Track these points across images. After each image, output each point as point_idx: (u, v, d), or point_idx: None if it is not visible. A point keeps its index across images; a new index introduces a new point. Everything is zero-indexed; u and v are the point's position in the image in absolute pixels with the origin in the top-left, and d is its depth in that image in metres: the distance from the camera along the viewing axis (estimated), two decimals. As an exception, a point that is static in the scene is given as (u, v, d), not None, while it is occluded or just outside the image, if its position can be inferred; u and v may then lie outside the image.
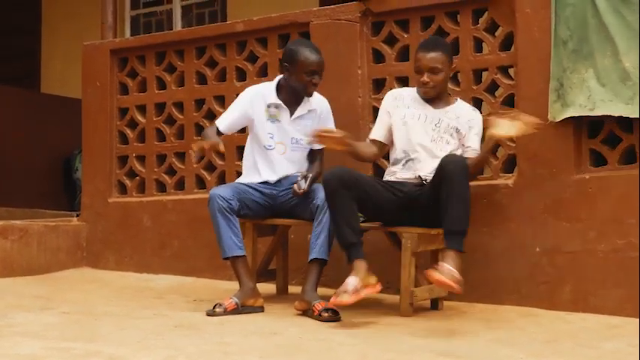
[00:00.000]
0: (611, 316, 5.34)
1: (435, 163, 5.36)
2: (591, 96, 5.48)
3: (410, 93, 5.71)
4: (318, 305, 5.34)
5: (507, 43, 5.98)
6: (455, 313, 5.58)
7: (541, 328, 5.12)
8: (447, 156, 5.29)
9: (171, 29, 10.07)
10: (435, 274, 4.94)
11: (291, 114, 5.83)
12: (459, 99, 5.72)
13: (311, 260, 5.54)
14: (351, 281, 5.18)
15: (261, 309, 5.58)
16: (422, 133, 5.55)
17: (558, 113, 5.58)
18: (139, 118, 7.55)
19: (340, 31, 6.50)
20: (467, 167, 5.22)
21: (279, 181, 5.81)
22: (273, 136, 5.82)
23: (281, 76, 5.93)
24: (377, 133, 5.75)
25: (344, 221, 5.31)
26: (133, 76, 7.63)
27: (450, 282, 4.93)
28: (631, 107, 5.36)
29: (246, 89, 6.01)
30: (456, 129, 5.53)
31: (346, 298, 5.12)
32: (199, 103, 7.24)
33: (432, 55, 5.50)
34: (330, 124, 5.91)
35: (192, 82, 7.28)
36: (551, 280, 5.64)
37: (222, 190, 5.66)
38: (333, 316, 5.25)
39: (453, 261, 5.06)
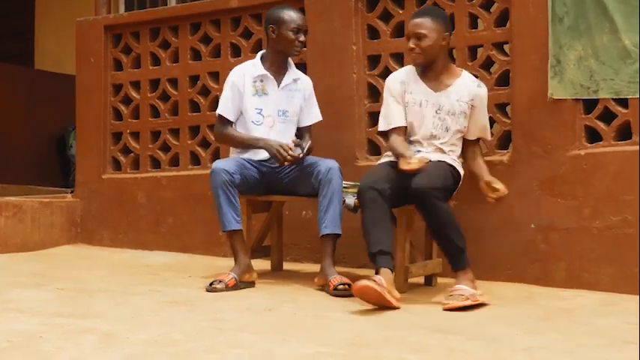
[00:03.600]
0: (606, 293, 5.34)
1: (437, 153, 5.41)
2: (593, 76, 5.47)
3: (409, 73, 5.59)
4: (334, 280, 5.36)
5: (502, 20, 5.96)
6: (449, 289, 5.58)
7: (535, 305, 5.13)
8: (419, 184, 5.09)
9: (166, 5, 10.02)
10: (451, 303, 4.95)
11: (279, 84, 5.85)
12: (463, 72, 5.59)
13: (323, 236, 5.53)
14: (378, 280, 4.92)
15: (253, 284, 5.59)
16: (424, 122, 5.47)
17: (557, 90, 5.57)
18: (134, 94, 7.52)
19: (335, 7, 6.47)
20: (441, 189, 5.14)
21: (270, 158, 5.79)
22: (261, 110, 5.81)
23: (263, 51, 5.98)
24: (399, 120, 5.52)
25: (381, 230, 5.15)
26: (127, 53, 7.61)
27: (466, 303, 4.95)
28: (633, 86, 5.35)
29: (232, 71, 5.97)
30: (457, 112, 5.46)
31: (373, 285, 4.86)
32: (194, 79, 7.22)
33: (418, 20, 5.42)
34: (313, 102, 5.97)
35: (186, 58, 7.25)
36: (545, 257, 5.65)
37: (226, 164, 5.63)
38: (348, 289, 5.23)
39: (465, 278, 5.11)
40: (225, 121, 5.83)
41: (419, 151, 5.44)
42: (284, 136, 5.82)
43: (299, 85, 5.92)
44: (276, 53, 5.84)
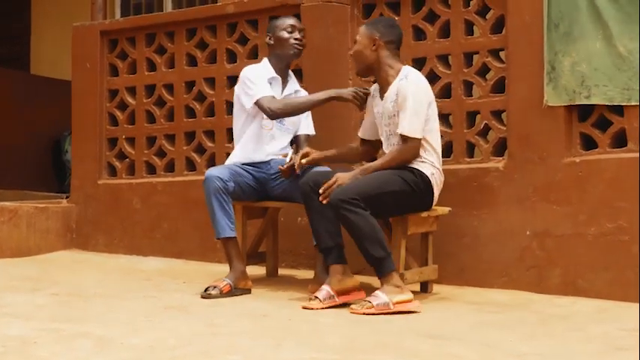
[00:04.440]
0: (601, 300, 5.34)
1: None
2: (585, 81, 5.48)
3: (376, 87, 5.64)
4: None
5: (498, 26, 5.97)
6: (444, 296, 5.59)
7: (530, 311, 5.13)
8: (331, 197, 5.15)
9: (162, 11, 10.03)
10: (355, 309, 4.99)
11: (282, 91, 5.92)
12: (401, 69, 5.44)
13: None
14: (325, 287, 5.18)
15: (249, 291, 5.59)
16: (383, 131, 5.51)
17: (552, 97, 5.58)
18: (129, 99, 7.52)
19: (331, 13, 6.48)
20: (354, 200, 5.09)
21: (268, 162, 5.80)
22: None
23: (266, 58, 6.04)
24: (362, 131, 5.73)
25: (319, 226, 5.31)
26: (123, 58, 7.61)
27: (368, 311, 4.96)
28: (627, 93, 5.36)
29: (248, 69, 5.97)
30: (393, 113, 5.39)
31: (314, 305, 5.10)
32: (189, 85, 7.22)
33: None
34: (308, 115, 6.05)
35: (182, 63, 7.25)
36: (540, 264, 5.65)
37: (219, 171, 5.65)
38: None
39: (388, 284, 5.08)
40: (272, 97, 5.78)
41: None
42: (277, 141, 5.86)
43: (298, 97, 5.96)
44: (278, 60, 5.93)
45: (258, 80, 5.82)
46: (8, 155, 9.65)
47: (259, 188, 5.82)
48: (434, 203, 5.45)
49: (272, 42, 5.94)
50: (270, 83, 5.86)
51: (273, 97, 5.76)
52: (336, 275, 5.22)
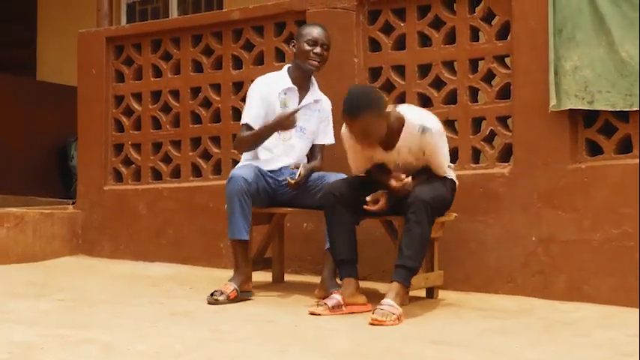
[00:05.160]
0: (606, 306, 5.34)
1: None
2: (588, 87, 5.49)
3: None
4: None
5: (503, 32, 5.98)
6: (450, 301, 5.59)
7: (535, 317, 5.13)
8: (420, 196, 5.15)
9: (167, 17, 10.05)
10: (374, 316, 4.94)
11: (299, 100, 5.86)
12: (408, 124, 5.29)
13: (328, 249, 5.52)
14: (336, 296, 5.18)
15: (250, 293, 5.61)
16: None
17: (556, 102, 5.58)
18: (135, 105, 7.53)
19: (336, 20, 6.48)
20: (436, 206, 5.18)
21: (279, 170, 5.80)
22: None
23: (288, 65, 5.98)
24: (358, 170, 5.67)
25: (339, 238, 5.33)
26: (128, 64, 7.62)
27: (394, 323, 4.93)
28: (630, 99, 5.36)
29: (256, 82, 5.95)
30: (415, 161, 5.39)
31: (321, 311, 5.10)
32: (195, 91, 7.23)
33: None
34: (329, 124, 5.99)
35: (188, 70, 7.26)
36: (546, 270, 5.65)
37: (246, 172, 5.60)
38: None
39: (397, 293, 5.05)
40: (249, 129, 5.79)
41: None
42: (297, 152, 5.87)
43: (319, 105, 5.95)
44: (298, 68, 5.88)
45: (254, 101, 5.83)
46: (14, 161, 9.66)
47: (272, 194, 5.81)
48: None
49: (294, 50, 5.89)
50: (286, 94, 5.83)
51: (252, 129, 5.76)
52: (349, 288, 5.23)
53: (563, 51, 5.57)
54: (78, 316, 4.96)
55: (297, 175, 5.63)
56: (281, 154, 5.85)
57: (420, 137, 5.24)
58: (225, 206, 5.60)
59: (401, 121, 5.28)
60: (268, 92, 5.83)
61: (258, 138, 5.75)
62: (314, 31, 5.84)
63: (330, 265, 5.54)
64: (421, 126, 5.24)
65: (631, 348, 4.25)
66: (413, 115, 5.32)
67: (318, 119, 5.94)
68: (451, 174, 5.47)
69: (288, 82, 5.87)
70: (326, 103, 6.02)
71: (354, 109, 5.15)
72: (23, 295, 5.64)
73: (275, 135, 5.78)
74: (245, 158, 5.92)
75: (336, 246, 5.34)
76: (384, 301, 4.95)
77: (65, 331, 4.43)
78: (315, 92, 5.97)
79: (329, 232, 5.39)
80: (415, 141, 5.25)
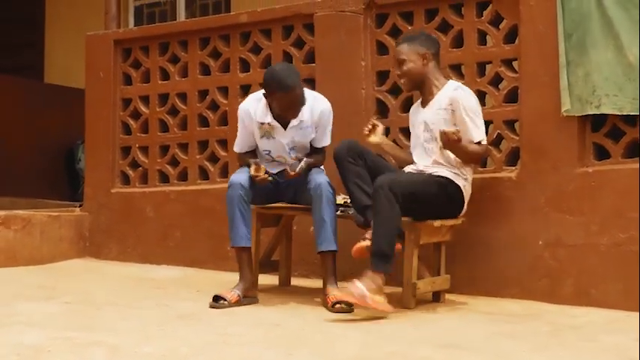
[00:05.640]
0: (613, 310, 5.33)
1: (435, 167, 5.48)
2: (596, 91, 5.48)
3: (417, 102, 5.77)
4: (332, 298, 5.33)
5: (511, 36, 5.97)
6: (457, 305, 5.58)
7: (543, 322, 5.12)
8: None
9: (175, 20, 10.06)
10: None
11: (285, 127, 5.69)
12: (448, 82, 5.61)
13: (319, 252, 5.54)
14: (360, 286, 5.03)
15: (257, 300, 5.59)
16: (418, 141, 5.64)
17: (570, 107, 5.56)
18: (143, 108, 7.55)
19: (344, 23, 6.49)
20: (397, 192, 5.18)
21: (279, 173, 5.80)
22: (269, 152, 5.78)
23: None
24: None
25: (356, 186, 5.40)
26: (136, 67, 7.63)
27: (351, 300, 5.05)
28: (637, 103, 5.36)
29: (239, 109, 5.82)
30: (439, 120, 5.48)
31: (356, 288, 5.03)
32: (203, 94, 7.24)
33: (397, 48, 5.62)
34: (327, 129, 5.81)
35: (195, 72, 7.27)
36: (553, 274, 5.64)
37: (243, 177, 5.59)
38: (347, 307, 5.25)
39: (370, 278, 5.09)
40: (241, 155, 5.89)
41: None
42: (281, 157, 5.83)
43: (307, 121, 5.68)
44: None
45: (240, 132, 5.85)
46: (21, 163, 9.68)
47: (275, 191, 5.80)
48: (462, 213, 5.55)
49: (269, 98, 5.60)
50: (269, 124, 5.65)
51: (240, 155, 5.88)
52: (376, 282, 5.08)
53: (574, 56, 5.57)
54: (85, 319, 4.96)
55: (297, 168, 5.62)
56: (281, 164, 5.83)
57: (454, 93, 5.47)
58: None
59: (442, 83, 5.59)
60: (250, 123, 5.73)
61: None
62: (284, 94, 5.50)
63: (328, 269, 5.51)
64: (458, 85, 5.57)
65: (638, 353, 4.24)
66: (454, 81, 5.67)
67: (310, 132, 5.73)
68: (457, 179, 5.46)
69: (266, 117, 5.67)
70: (317, 110, 5.71)
71: (403, 36, 5.74)
72: (31, 297, 5.64)
73: (273, 161, 5.81)
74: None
75: (356, 195, 5.46)
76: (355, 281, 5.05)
77: (72, 334, 4.44)
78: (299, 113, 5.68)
79: (346, 186, 5.50)
80: (446, 100, 5.47)
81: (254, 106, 5.73)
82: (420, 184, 5.34)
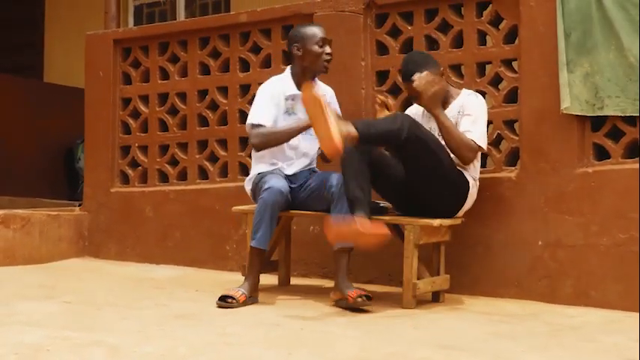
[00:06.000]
0: (612, 311, 5.33)
1: None
2: (598, 93, 5.48)
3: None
4: (353, 293, 5.31)
5: (511, 36, 5.97)
6: (456, 305, 5.58)
7: (542, 322, 5.12)
8: None
9: (175, 19, 10.07)
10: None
11: None
12: (462, 91, 5.67)
13: (336, 250, 5.50)
14: (355, 221, 5.13)
15: (257, 299, 5.58)
16: None
17: (570, 105, 5.56)
18: (142, 108, 7.55)
19: (344, 23, 6.49)
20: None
21: (294, 175, 5.79)
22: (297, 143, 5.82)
23: (289, 68, 5.90)
24: None
25: (351, 178, 5.36)
26: (136, 66, 7.63)
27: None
28: (638, 104, 5.35)
29: (264, 85, 5.89)
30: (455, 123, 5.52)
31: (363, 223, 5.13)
32: (202, 93, 7.24)
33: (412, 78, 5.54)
34: (336, 108, 5.89)
35: (195, 72, 7.27)
36: (552, 274, 5.64)
37: (283, 184, 5.56)
38: (367, 301, 5.26)
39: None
40: (260, 128, 5.71)
41: None
42: (308, 153, 5.87)
43: (326, 97, 5.73)
44: (304, 71, 5.79)
45: (264, 103, 5.75)
46: (21, 163, 9.69)
47: (291, 198, 5.80)
48: (461, 212, 5.54)
49: (300, 53, 5.77)
50: (293, 100, 5.78)
51: (264, 127, 5.68)
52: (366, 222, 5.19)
53: (573, 55, 5.57)
54: (84, 319, 4.96)
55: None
56: (294, 159, 5.84)
57: (466, 98, 5.56)
58: (255, 212, 5.52)
59: (453, 93, 5.66)
60: (277, 95, 5.78)
61: (288, 137, 5.71)
62: (320, 32, 5.76)
63: (343, 266, 5.46)
64: (471, 92, 5.66)
65: (637, 354, 4.24)
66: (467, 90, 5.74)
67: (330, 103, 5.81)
68: (470, 179, 5.49)
69: (293, 89, 5.80)
70: (329, 91, 5.96)
71: (408, 65, 5.60)
72: (30, 296, 5.64)
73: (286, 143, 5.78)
74: (259, 162, 5.87)
75: (350, 185, 5.39)
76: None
77: (72, 334, 4.44)
78: (319, 91, 5.79)
79: (343, 176, 5.45)
80: (461, 103, 5.53)
81: (282, 80, 5.86)
82: (437, 144, 5.36)
